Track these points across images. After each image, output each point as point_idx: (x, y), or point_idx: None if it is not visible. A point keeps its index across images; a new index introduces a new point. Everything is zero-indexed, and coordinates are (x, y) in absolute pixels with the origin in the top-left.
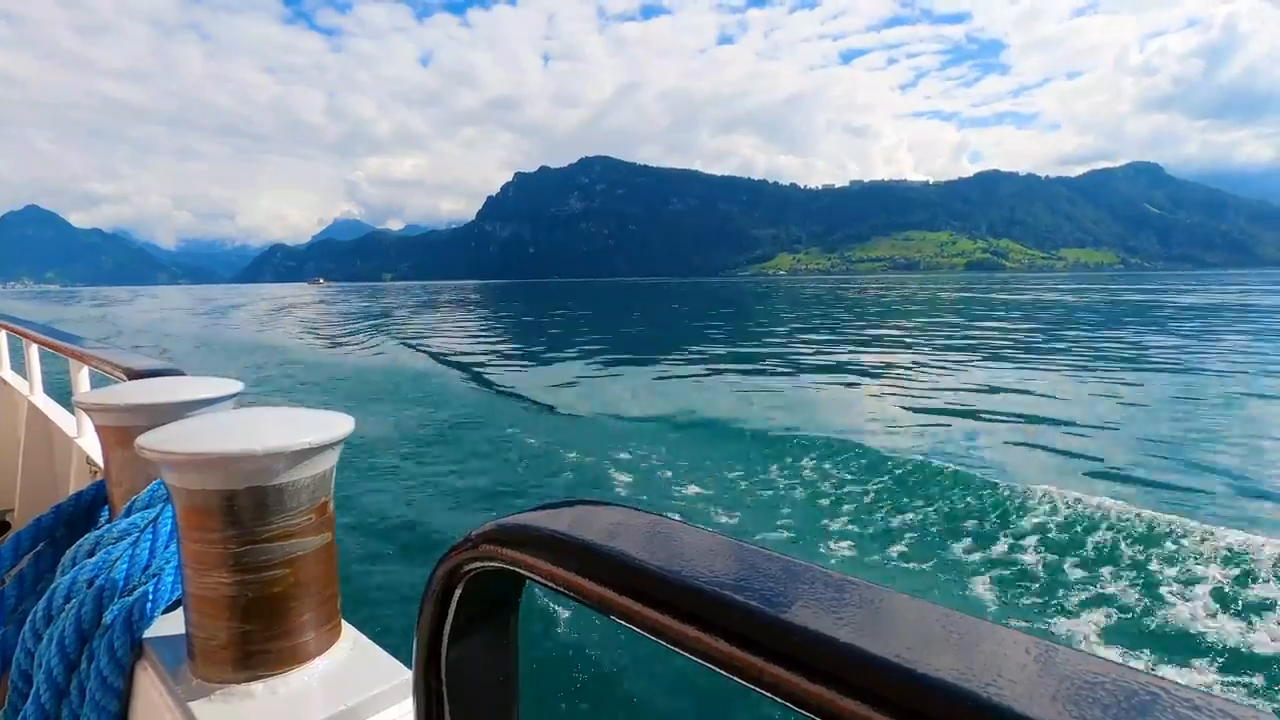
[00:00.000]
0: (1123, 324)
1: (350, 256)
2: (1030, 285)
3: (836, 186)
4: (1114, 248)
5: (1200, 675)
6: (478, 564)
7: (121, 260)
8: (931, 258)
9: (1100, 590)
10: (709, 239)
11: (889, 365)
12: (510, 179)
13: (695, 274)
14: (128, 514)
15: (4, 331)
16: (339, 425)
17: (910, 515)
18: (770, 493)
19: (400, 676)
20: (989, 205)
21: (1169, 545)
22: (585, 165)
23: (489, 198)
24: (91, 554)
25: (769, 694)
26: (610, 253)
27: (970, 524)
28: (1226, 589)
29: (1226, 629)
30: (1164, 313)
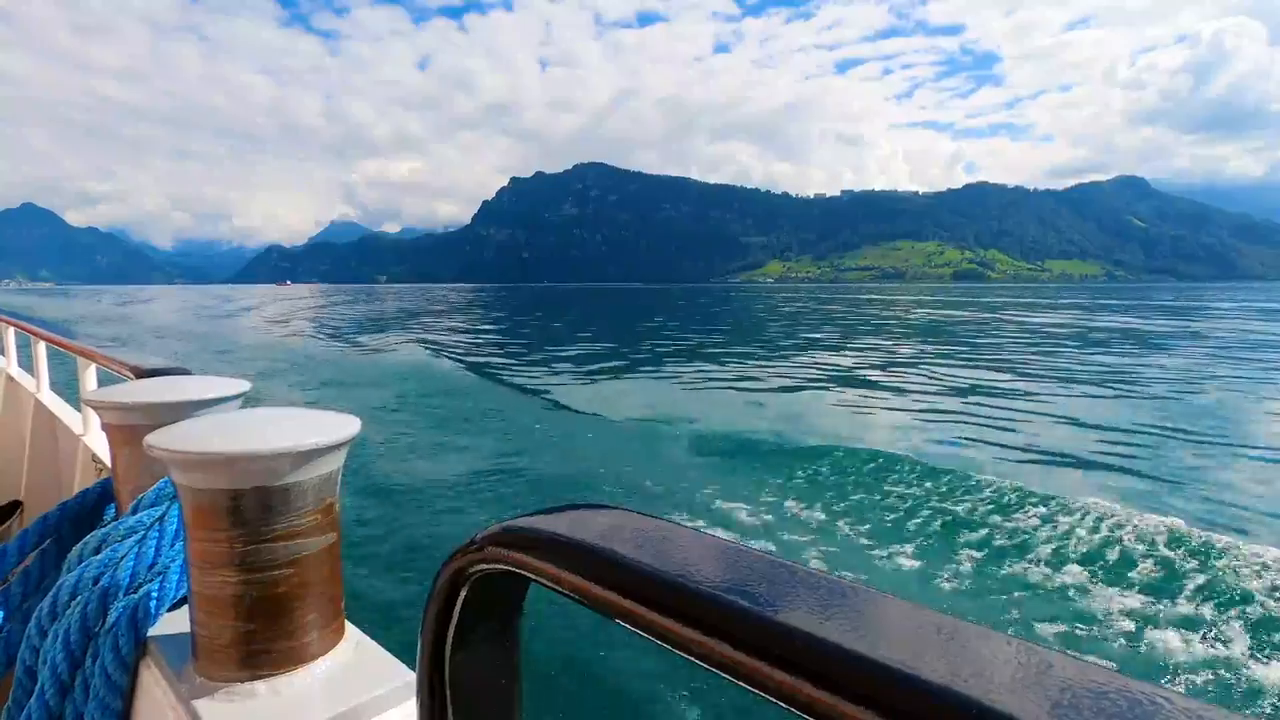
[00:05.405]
0: (1106, 335)
1: (347, 259)
2: (1012, 298)
3: (828, 195)
4: (1099, 259)
5: (1200, 683)
6: (483, 566)
7: (117, 260)
8: (919, 267)
9: (1096, 594)
10: (701, 246)
11: (882, 372)
12: (506, 184)
13: (686, 280)
14: (134, 512)
15: (12, 329)
16: (346, 426)
17: (912, 520)
18: (773, 498)
19: (403, 678)
20: (977, 216)
21: (1162, 548)
22: (580, 171)
23: (484, 202)
24: (97, 551)
25: (773, 699)
26: (603, 259)
27: (973, 529)
28: (1223, 592)
29: (1227, 634)
30: (1144, 326)
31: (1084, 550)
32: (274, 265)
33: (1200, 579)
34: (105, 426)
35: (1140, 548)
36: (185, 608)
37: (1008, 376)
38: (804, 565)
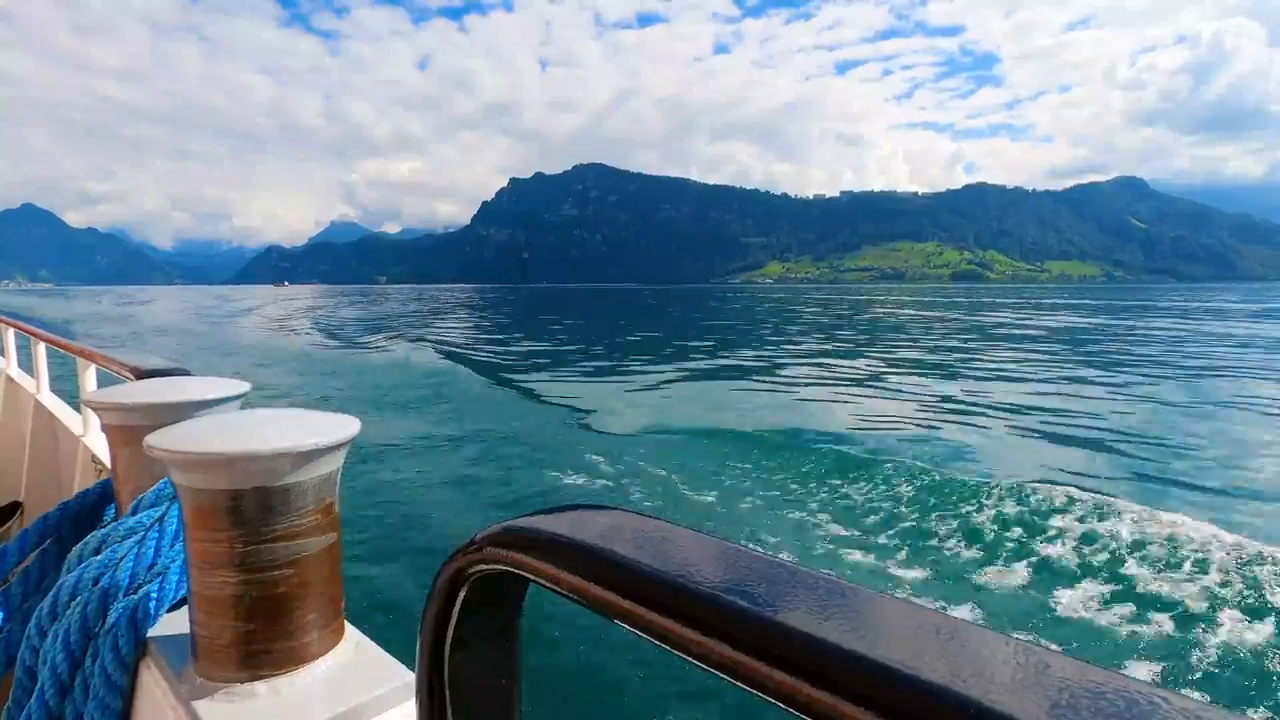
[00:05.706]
0: (1101, 335)
1: (346, 259)
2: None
3: (828, 196)
4: (1099, 260)
5: (1200, 683)
6: (482, 567)
7: (117, 260)
8: (918, 268)
9: (1096, 593)
10: (700, 246)
11: (883, 373)
12: (506, 184)
13: (686, 280)
14: (134, 512)
15: (12, 330)
16: (345, 427)
17: (915, 520)
18: (773, 498)
19: (402, 678)
20: (977, 217)
21: (1161, 545)
22: (580, 172)
23: (484, 203)
24: (97, 552)
25: (773, 699)
26: (603, 259)
27: (978, 530)
28: (1224, 590)
29: (1225, 633)
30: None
31: (1083, 550)
32: (274, 265)
33: (1207, 577)
34: (105, 427)
35: (1137, 545)
36: (185, 608)
37: (1007, 379)
38: (803, 565)
